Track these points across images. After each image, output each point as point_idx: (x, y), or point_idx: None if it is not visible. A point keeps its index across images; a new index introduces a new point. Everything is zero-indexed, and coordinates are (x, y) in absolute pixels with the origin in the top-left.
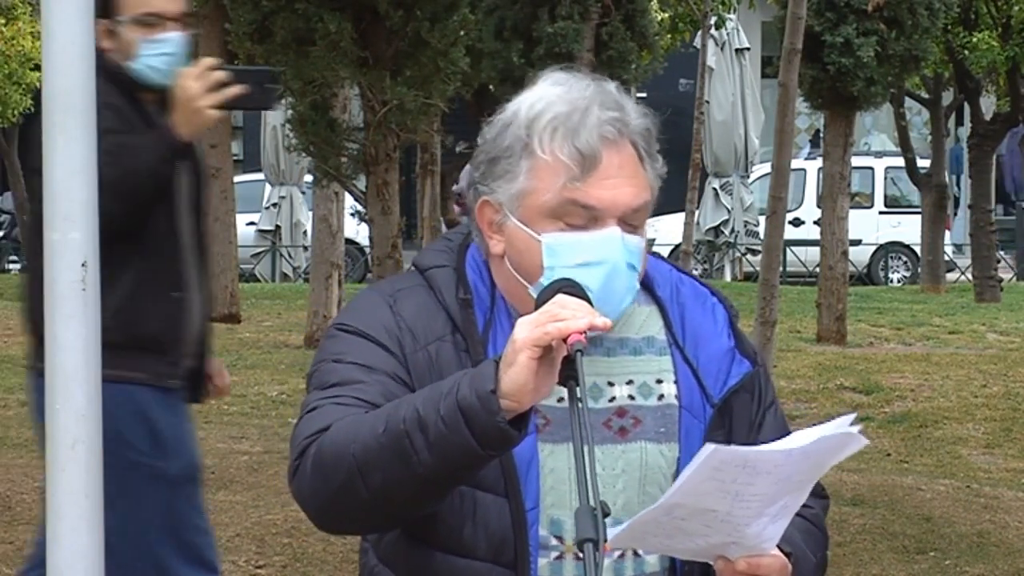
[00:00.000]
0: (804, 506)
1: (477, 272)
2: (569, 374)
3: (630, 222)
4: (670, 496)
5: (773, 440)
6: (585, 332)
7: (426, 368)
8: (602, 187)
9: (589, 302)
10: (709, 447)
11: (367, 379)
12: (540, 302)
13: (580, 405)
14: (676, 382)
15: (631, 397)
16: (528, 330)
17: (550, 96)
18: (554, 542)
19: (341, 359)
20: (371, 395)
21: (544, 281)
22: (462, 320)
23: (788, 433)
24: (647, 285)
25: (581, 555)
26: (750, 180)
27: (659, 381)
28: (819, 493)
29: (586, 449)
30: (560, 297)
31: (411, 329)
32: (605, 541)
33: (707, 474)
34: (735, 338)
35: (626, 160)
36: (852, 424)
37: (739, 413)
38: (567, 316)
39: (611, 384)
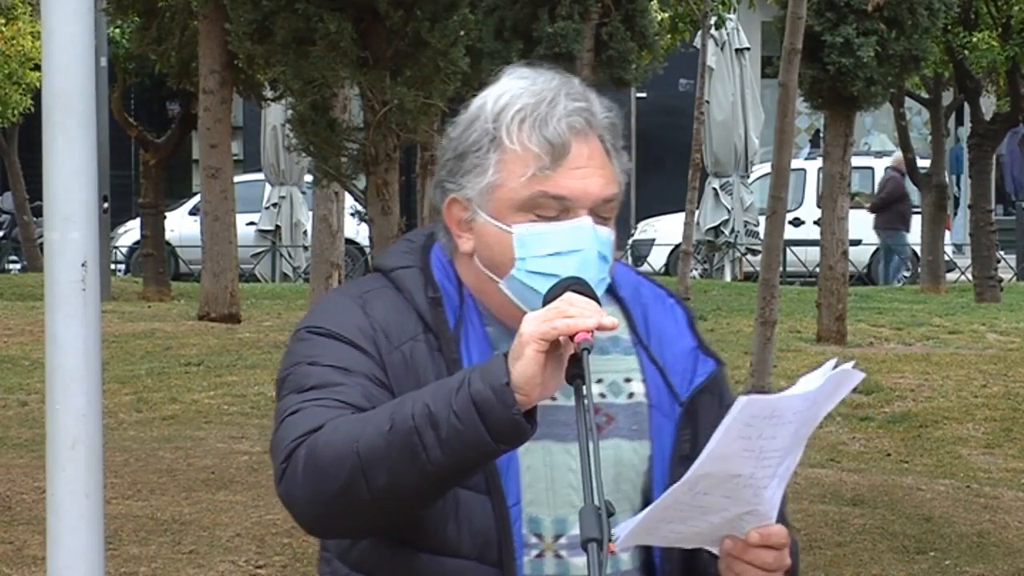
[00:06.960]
0: None
1: (443, 272)
2: (576, 372)
3: (600, 213)
4: (698, 467)
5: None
6: (593, 331)
7: (402, 368)
8: (572, 176)
9: (598, 301)
10: (742, 400)
11: (346, 382)
12: (548, 299)
13: (586, 403)
14: (644, 381)
15: (602, 395)
16: (535, 324)
17: (515, 89)
18: (534, 540)
19: (316, 362)
20: (352, 398)
21: (516, 273)
22: (433, 319)
23: None
24: (609, 286)
25: (561, 554)
26: (750, 180)
27: (627, 380)
28: None
29: (591, 447)
30: (569, 295)
31: (384, 330)
32: (610, 540)
33: (738, 430)
34: (696, 338)
35: (594, 151)
36: (836, 366)
37: (704, 413)
38: (575, 314)
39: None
